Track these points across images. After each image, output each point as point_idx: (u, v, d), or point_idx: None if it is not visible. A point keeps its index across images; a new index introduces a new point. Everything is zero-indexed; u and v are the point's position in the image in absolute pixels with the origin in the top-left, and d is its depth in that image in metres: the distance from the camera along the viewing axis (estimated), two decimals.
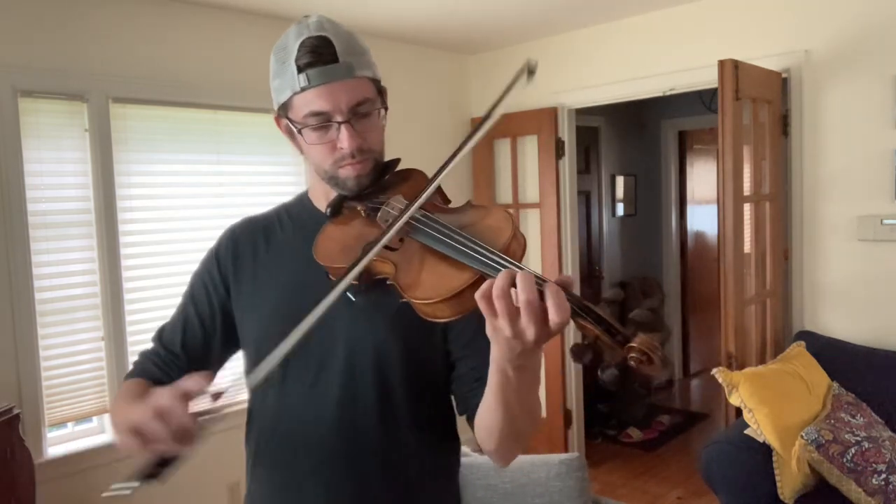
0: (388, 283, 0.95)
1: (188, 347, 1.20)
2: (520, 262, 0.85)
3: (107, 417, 2.87)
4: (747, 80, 2.80)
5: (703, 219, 5.86)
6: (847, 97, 2.97)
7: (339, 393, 1.09)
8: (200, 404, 0.85)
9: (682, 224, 5.85)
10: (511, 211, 1.01)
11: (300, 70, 1.03)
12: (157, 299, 2.95)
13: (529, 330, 0.75)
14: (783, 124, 3.15)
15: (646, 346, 0.74)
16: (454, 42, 4.05)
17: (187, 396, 0.84)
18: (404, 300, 0.91)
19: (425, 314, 0.89)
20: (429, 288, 0.88)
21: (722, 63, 2.75)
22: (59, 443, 2.76)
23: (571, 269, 4.05)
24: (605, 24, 3.74)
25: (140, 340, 2.89)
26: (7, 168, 2.56)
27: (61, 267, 2.74)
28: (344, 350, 1.09)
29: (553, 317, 0.74)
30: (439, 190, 1.07)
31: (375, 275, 0.97)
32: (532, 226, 4.14)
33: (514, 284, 0.76)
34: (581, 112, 4.12)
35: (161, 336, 1.23)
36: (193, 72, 3.09)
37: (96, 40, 2.80)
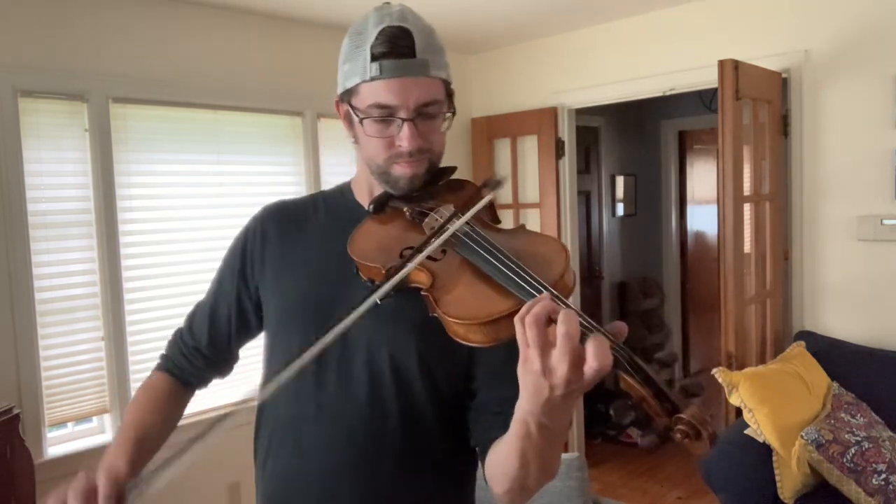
0: (421, 292, 0.89)
1: (214, 337, 1.22)
2: (567, 300, 0.78)
3: (107, 417, 2.87)
4: (747, 80, 2.80)
5: (703, 219, 5.86)
6: (847, 97, 2.97)
7: (359, 398, 1.06)
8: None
9: (682, 224, 5.85)
10: (560, 241, 0.99)
11: (374, 58, 0.98)
12: (157, 299, 2.95)
13: (560, 368, 0.69)
14: (783, 124, 3.15)
15: (696, 419, 0.66)
16: (454, 42, 4.05)
17: (92, 494, 0.93)
18: (434, 314, 0.86)
19: (455, 334, 0.83)
20: (466, 308, 0.82)
21: (722, 63, 2.74)
22: (59, 443, 2.76)
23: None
24: (605, 24, 3.74)
25: (140, 340, 2.89)
26: (7, 168, 2.56)
27: (61, 267, 2.74)
28: (363, 355, 1.06)
29: (590, 361, 0.67)
30: (491, 207, 1.02)
31: (409, 283, 0.91)
32: (532, 226, 4.12)
33: (554, 320, 0.70)
34: (581, 112, 4.12)
35: (192, 320, 1.25)
36: (193, 72, 3.08)
37: (96, 40, 2.81)
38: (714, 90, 2.90)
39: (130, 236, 2.90)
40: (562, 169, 3.99)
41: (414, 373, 1.05)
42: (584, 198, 5.19)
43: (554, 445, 0.85)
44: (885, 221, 2.88)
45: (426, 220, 1.00)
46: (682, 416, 0.66)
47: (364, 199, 1.14)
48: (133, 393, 2.85)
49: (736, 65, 2.74)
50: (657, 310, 5.61)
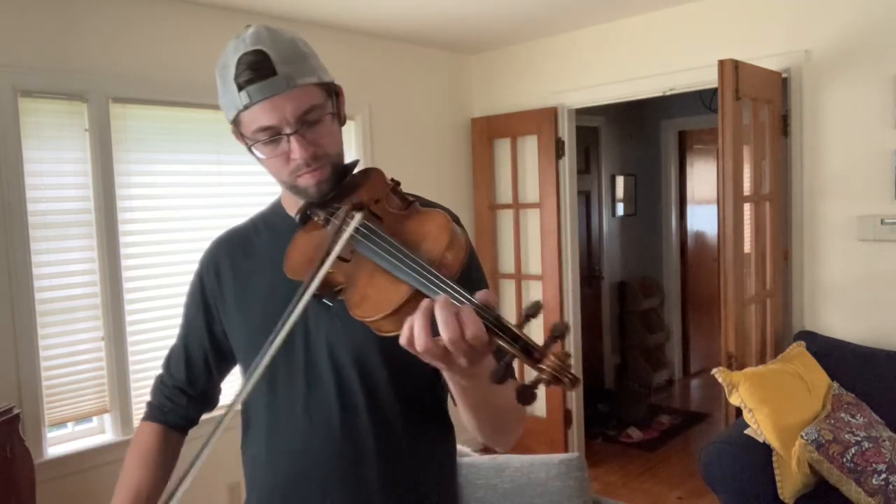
0: (338, 298, 0.95)
1: (192, 374, 1.27)
2: (458, 269, 0.87)
3: (107, 417, 2.87)
4: (747, 80, 2.80)
5: (703, 219, 5.86)
6: (847, 97, 2.97)
7: (330, 399, 1.10)
8: None
9: (682, 224, 5.85)
10: (446, 215, 1.01)
11: (241, 88, 1.01)
12: (157, 299, 2.95)
13: (461, 360, 0.79)
14: (783, 124, 3.15)
15: (555, 368, 0.75)
16: (454, 42, 4.05)
17: None
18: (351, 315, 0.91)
19: (373, 329, 0.89)
20: (369, 305, 0.88)
21: (722, 63, 2.75)
22: (59, 443, 2.76)
23: (571, 269, 4.05)
24: (605, 24, 3.74)
25: (140, 340, 2.89)
26: (7, 168, 2.56)
27: (61, 267, 2.74)
28: (327, 356, 1.10)
29: (468, 332, 0.76)
30: (396, 191, 1.06)
31: (334, 286, 0.96)
32: (532, 226, 4.14)
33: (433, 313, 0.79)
34: (581, 112, 4.12)
35: (169, 363, 1.30)
36: (193, 72, 3.08)
37: (96, 40, 2.81)
38: (714, 90, 2.90)
39: (130, 236, 2.90)
40: (562, 169, 3.99)
41: (376, 364, 1.10)
42: (584, 198, 5.19)
43: (485, 384, 0.90)
44: (885, 221, 2.88)
45: (329, 224, 1.03)
46: (542, 366, 0.76)
47: (293, 211, 1.17)
48: (133, 393, 2.86)
49: (736, 65, 2.74)
50: (657, 310, 5.61)
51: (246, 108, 1.02)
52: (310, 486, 1.12)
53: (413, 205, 1.03)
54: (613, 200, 5.46)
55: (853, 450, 2.38)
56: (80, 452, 2.75)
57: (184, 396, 1.27)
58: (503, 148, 4.23)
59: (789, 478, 2.45)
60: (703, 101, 5.05)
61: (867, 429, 2.48)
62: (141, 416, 1.31)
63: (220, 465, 3.00)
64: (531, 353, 0.77)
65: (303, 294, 0.91)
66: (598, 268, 5.34)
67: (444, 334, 0.77)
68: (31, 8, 2.64)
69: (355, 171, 1.14)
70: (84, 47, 2.77)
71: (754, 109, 2.96)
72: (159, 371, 1.32)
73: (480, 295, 0.80)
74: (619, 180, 5.48)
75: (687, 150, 5.83)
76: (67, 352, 2.75)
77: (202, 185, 3.12)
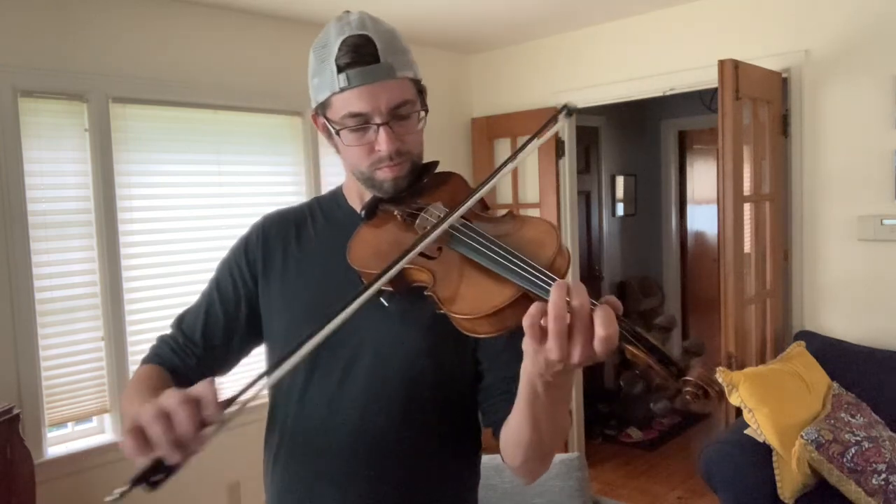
0: (425, 293, 0.91)
1: (208, 336, 1.17)
2: (564, 278, 0.80)
3: (107, 417, 2.87)
4: (747, 80, 2.80)
5: (703, 219, 5.86)
6: (847, 97, 2.97)
7: (364, 398, 1.07)
8: (209, 412, 0.79)
9: (682, 224, 5.85)
10: (551, 222, 1.03)
11: (340, 70, 1.00)
12: (157, 299, 2.94)
13: (576, 349, 0.72)
14: (783, 124, 3.15)
15: (702, 379, 0.69)
16: (454, 42, 4.05)
17: (196, 403, 0.77)
18: (441, 311, 0.87)
19: (464, 329, 0.85)
20: (469, 303, 0.84)
21: (722, 63, 2.75)
22: (59, 443, 2.76)
23: (571, 269, 4.05)
24: (605, 24, 3.74)
25: (140, 340, 2.89)
26: (7, 168, 2.55)
27: (61, 267, 2.74)
28: (371, 356, 1.07)
29: (599, 332, 0.70)
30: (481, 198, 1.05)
31: (411, 282, 0.93)
32: None
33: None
34: (581, 112, 4.12)
35: (181, 321, 1.21)
36: (193, 72, 3.08)
37: (96, 40, 2.81)
38: (714, 90, 2.90)
39: (130, 236, 2.90)
40: (562, 169, 3.99)
41: (425, 369, 1.06)
42: (584, 198, 5.19)
43: (562, 402, 0.87)
44: (885, 221, 2.88)
45: (417, 220, 1.01)
46: (688, 378, 0.69)
47: (356, 203, 1.15)
48: None
49: (736, 65, 2.74)
50: (657, 310, 5.61)
51: (342, 90, 1.01)
52: (327, 486, 1.09)
53: (509, 213, 1.02)
54: (613, 200, 5.46)
55: (853, 450, 2.38)
56: (80, 452, 2.75)
57: (193, 357, 1.16)
58: (503, 148, 4.23)
59: (789, 478, 2.45)
60: (703, 101, 5.05)
61: (867, 429, 2.48)
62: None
63: (220, 465, 3.01)
64: (668, 366, 0.71)
65: (376, 280, 0.86)
66: (597, 268, 5.34)
67: (577, 311, 0.71)
68: (31, 8, 2.64)
69: (434, 172, 1.13)
70: (84, 47, 2.77)
71: (754, 109, 2.96)
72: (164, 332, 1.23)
73: (612, 299, 0.74)
74: (619, 180, 5.48)
75: (687, 150, 5.83)
76: (67, 352, 2.75)
77: (202, 185, 3.12)
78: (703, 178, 5.87)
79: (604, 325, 0.70)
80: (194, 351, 1.17)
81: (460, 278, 0.88)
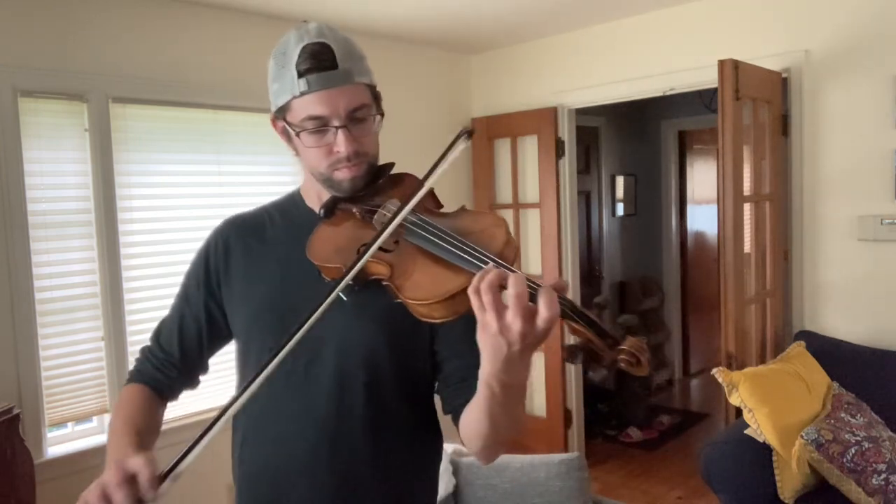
0: (383, 283, 0.97)
1: (184, 349, 1.25)
2: (512, 266, 0.87)
3: (107, 417, 2.87)
4: (747, 80, 2.80)
5: (703, 219, 5.86)
6: (847, 97, 2.97)
7: (329, 390, 1.11)
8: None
9: (682, 224, 5.85)
10: (503, 215, 1.12)
11: (300, 75, 1.04)
12: (157, 299, 2.95)
13: (516, 324, 0.77)
14: (783, 124, 3.15)
15: (634, 347, 0.77)
16: (454, 42, 4.05)
17: (133, 481, 0.89)
18: (399, 300, 0.93)
19: (420, 314, 0.91)
20: (424, 289, 0.90)
21: (722, 63, 2.75)
22: (59, 443, 2.76)
23: (571, 269, 4.05)
24: (605, 24, 3.74)
25: (140, 340, 2.88)
26: (7, 168, 2.55)
27: (61, 267, 2.74)
28: (334, 349, 1.11)
29: (543, 312, 0.76)
30: (432, 195, 1.10)
31: (370, 276, 0.98)
32: (532, 226, 4.14)
33: (504, 286, 0.79)
34: (581, 112, 4.12)
35: (159, 336, 1.29)
36: (193, 72, 3.08)
37: (96, 40, 2.80)
38: (714, 90, 2.90)
39: (130, 236, 2.90)
40: (562, 169, 3.99)
41: (384, 359, 1.12)
42: (584, 198, 5.19)
43: (517, 401, 0.93)
44: (885, 221, 2.88)
45: (375, 216, 1.06)
46: (622, 347, 0.78)
47: (315, 204, 1.19)
48: None
49: (736, 65, 2.74)
50: (657, 310, 5.61)
51: (302, 94, 1.05)
52: (296, 476, 1.13)
53: (462, 208, 1.07)
54: (613, 200, 5.46)
55: (853, 450, 2.38)
56: (80, 452, 2.75)
57: (174, 370, 1.25)
58: (503, 148, 4.23)
59: (789, 478, 2.45)
60: (703, 101, 5.05)
61: (867, 429, 2.48)
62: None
63: (219, 464, 3.00)
64: (605, 338, 0.79)
65: (343, 278, 0.92)
66: (598, 268, 5.34)
67: (511, 289, 0.77)
68: (31, 8, 2.64)
69: (390, 173, 1.17)
70: (84, 47, 2.77)
71: (754, 109, 2.96)
72: (146, 344, 1.31)
73: (553, 280, 0.80)
74: (619, 180, 5.48)
75: (687, 150, 5.83)
76: (67, 352, 2.75)
77: (202, 185, 3.12)
78: (703, 178, 5.87)
79: (547, 307, 0.76)
80: (174, 364, 1.26)
81: (416, 268, 0.94)
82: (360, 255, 0.93)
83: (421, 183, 0.97)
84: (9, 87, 2.56)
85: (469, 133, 0.98)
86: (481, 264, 0.86)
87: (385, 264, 0.97)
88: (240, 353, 1.23)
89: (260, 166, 3.31)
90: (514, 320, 0.77)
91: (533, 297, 0.78)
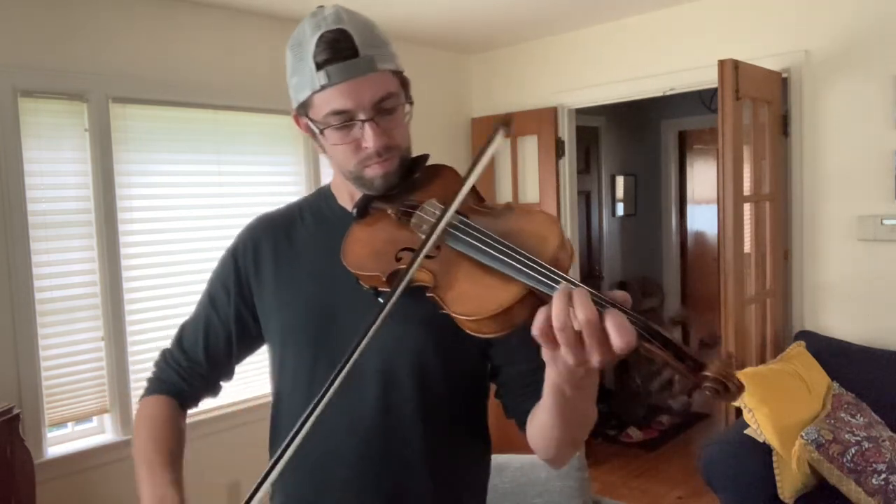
0: (427, 294, 0.88)
1: (211, 354, 1.18)
2: (567, 272, 0.78)
3: (107, 417, 2.87)
4: (747, 80, 2.80)
5: (703, 219, 5.86)
6: (847, 97, 2.97)
7: (376, 403, 1.05)
8: None
9: (682, 224, 5.85)
10: (551, 213, 1.00)
11: (319, 67, 0.96)
12: (157, 299, 2.94)
13: (594, 357, 0.70)
14: (783, 124, 3.15)
15: (722, 374, 0.66)
16: (454, 42, 4.05)
17: None
18: (444, 312, 0.85)
19: (469, 329, 0.82)
20: (473, 303, 0.81)
21: (722, 63, 2.75)
22: (59, 443, 2.76)
23: (571, 269, 4.05)
24: (605, 24, 3.74)
25: (140, 340, 2.90)
26: (7, 168, 2.55)
27: (61, 267, 2.74)
28: (379, 359, 1.04)
29: (616, 342, 0.67)
30: (473, 189, 0.97)
31: (412, 283, 0.89)
32: None
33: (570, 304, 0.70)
34: (581, 112, 4.12)
35: (181, 341, 1.20)
36: (193, 72, 3.08)
37: (96, 40, 2.80)
38: (714, 90, 2.90)
39: (130, 236, 2.90)
40: (562, 169, 3.99)
41: (433, 367, 1.05)
42: (584, 198, 5.19)
43: (591, 398, 0.87)
44: (885, 221, 2.88)
45: (413, 218, 0.97)
46: (707, 373, 0.67)
47: (346, 202, 1.12)
48: (133, 394, 2.86)
49: (736, 65, 2.74)
50: (657, 310, 5.60)
51: (322, 88, 0.97)
52: (341, 494, 1.07)
53: (508, 205, 0.96)
54: (613, 200, 5.46)
55: (853, 450, 2.38)
56: (80, 452, 2.75)
57: (199, 378, 1.18)
58: (503, 148, 4.23)
59: (789, 478, 2.45)
60: (703, 101, 5.05)
61: (867, 429, 2.48)
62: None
63: (220, 464, 3.01)
64: (685, 361, 0.68)
65: (395, 290, 0.84)
66: (598, 268, 5.34)
67: (581, 315, 0.68)
68: (31, 8, 2.64)
69: (425, 165, 1.09)
70: (84, 47, 2.77)
71: (754, 109, 2.96)
72: (165, 347, 1.23)
73: (620, 295, 0.71)
74: (619, 180, 5.48)
75: (687, 150, 5.82)
76: (67, 352, 2.75)
77: (202, 185, 3.12)
78: (703, 178, 5.87)
79: (619, 335, 0.67)
80: (199, 371, 1.18)
81: (462, 277, 0.85)
82: (403, 274, 0.85)
83: (462, 181, 0.88)
84: (9, 87, 2.56)
85: (507, 124, 0.87)
86: (535, 274, 0.77)
87: (427, 272, 0.88)
88: (275, 360, 1.16)
89: (260, 166, 3.31)
90: (591, 353, 0.69)
91: (600, 315, 0.69)
